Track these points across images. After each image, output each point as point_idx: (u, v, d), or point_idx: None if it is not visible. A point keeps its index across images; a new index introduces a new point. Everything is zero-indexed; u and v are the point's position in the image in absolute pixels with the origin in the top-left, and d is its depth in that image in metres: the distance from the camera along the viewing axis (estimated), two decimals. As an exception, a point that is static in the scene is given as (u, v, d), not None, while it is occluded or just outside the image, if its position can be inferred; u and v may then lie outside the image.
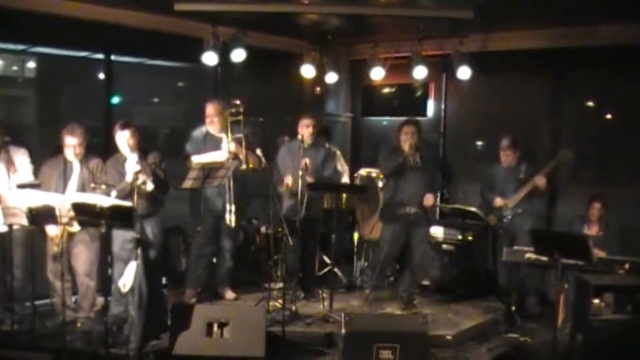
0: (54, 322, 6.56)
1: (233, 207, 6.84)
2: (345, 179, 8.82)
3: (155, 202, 6.53)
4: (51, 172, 6.50)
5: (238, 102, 6.97)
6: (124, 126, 6.39)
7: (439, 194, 8.07)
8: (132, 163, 6.14)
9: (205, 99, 7.52)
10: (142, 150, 6.44)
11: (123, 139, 6.34)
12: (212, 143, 7.19)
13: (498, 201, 7.68)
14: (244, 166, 6.92)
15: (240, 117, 6.96)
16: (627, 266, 6.66)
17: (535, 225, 7.63)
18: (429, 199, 7.35)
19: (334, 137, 9.62)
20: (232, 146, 7.03)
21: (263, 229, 8.63)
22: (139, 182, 6.11)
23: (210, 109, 7.24)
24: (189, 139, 7.34)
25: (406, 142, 7.29)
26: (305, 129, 7.53)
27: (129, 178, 6.15)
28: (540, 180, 7.44)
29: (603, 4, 7.02)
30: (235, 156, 6.98)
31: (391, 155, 7.44)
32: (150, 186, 6.24)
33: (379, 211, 8.04)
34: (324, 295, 7.47)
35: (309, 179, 7.28)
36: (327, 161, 7.75)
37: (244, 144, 6.97)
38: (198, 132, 7.34)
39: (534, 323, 7.40)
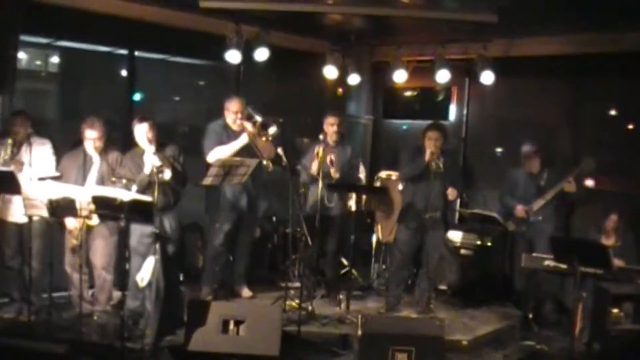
0: (71, 314, 6.61)
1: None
2: (363, 181, 8.79)
3: (173, 195, 6.50)
4: (70, 164, 6.56)
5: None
6: (142, 119, 6.40)
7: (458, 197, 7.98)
8: (150, 155, 6.15)
9: (226, 97, 7.52)
10: (161, 144, 6.44)
11: (142, 131, 6.34)
12: (233, 136, 7.18)
13: (520, 211, 7.61)
14: (264, 162, 6.93)
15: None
16: (647, 276, 6.60)
17: (555, 233, 7.56)
18: (452, 193, 7.19)
19: (354, 139, 9.58)
20: (250, 126, 7.05)
21: (282, 228, 8.62)
22: (157, 171, 6.10)
23: (237, 105, 7.21)
24: (206, 134, 7.28)
25: (430, 148, 7.15)
26: (330, 127, 7.54)
27: (147, 170, 6.18)
28: (569, 185, 7.33)
29: (627, 11, 6.96)
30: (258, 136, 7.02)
31: (414, 159, 7.33)
32: (167, 174, 6.18)
33: (398, 214, 8.01)
34: (341, 296, 7.47)
35: (334, 175, 7.32)
36: (354, 160, 7.77)
37: (260, 130, 7.02)
38: (216, 125, 7.30)
39: (551, 331, 7.32)
